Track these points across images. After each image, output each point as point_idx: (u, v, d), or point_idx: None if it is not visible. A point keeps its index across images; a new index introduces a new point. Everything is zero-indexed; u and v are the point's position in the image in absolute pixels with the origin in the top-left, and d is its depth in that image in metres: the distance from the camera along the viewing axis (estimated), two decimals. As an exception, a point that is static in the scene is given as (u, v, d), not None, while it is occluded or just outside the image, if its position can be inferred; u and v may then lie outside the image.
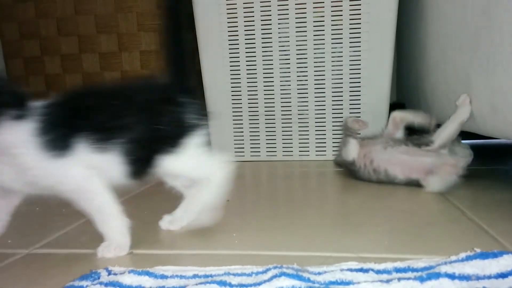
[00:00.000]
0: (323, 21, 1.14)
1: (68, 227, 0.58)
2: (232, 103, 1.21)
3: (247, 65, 1.18)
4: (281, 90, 1.19)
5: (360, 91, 1.16)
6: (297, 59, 1.16)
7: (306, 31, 1.15)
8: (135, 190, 0.93)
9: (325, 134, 1.19)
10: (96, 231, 0.67)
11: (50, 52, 1.26)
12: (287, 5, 1.13)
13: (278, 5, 1.14)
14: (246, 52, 1.17)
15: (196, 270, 0.49)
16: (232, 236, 0.63)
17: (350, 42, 1.14)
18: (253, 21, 1.16)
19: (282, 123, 1.20)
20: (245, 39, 1.17)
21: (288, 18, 1.15)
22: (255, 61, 1.18)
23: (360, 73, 1.15)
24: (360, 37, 1.13)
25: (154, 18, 1.19)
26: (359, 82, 1.15)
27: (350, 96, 1.16)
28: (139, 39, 1.21)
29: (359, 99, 1.16)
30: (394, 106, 1.21)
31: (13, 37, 1.25)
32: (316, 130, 1.19)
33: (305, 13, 1.14)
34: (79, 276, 0.48)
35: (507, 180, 0.88)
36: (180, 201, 0.69)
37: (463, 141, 0.88)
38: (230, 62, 1.18)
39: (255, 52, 1.17)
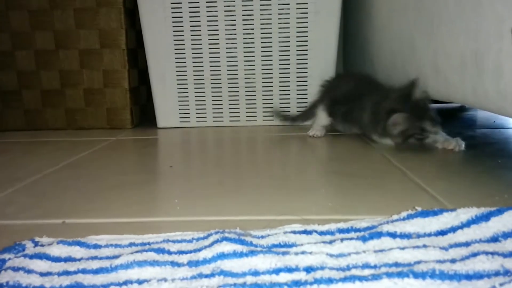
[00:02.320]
0: (270, -20, 1.10)
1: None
2: (176, 66, 1.15)
3: (191, 26, 1.13)
4: (227, 53, 1.14)
5: (307, 54, 1.14)
6: (243, 20, 1.12)
7: (252, -9, 1.10)
8: (71, 157, 0.88)
9: (272, 99, 1.17)
10: (24, 201, 0.63)
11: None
12: (233, -38, 1.08)
13: (223, -38, 1.08)
14: (190, 12, 1.12)
15: (132, 238, 0.46)
16: (173, 203, 0.60)
17: (297, 4, 1.11)
18: (197, -22, 1.10)
19: (229, 87, 1.17)
20: (189, -2, 1.11)
21: (233, -23, 1.10)
22: (200, 21, 1.12)
23: (307, 36, 1.13)
24: (307, -1, 1.10)
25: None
26: (306, 46, 1.13)
27: (297, 59, 1.14)
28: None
29: (306, 63, 1.15)
30: None
31: None
32: (263, 95, 1.17)
33: (251, -29, 1.09)
34: (1, 249, 0.43)
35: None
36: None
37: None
38: (173, 21, 1.12)
39: (199, 11, 1.12)
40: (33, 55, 1.17)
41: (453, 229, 0.42)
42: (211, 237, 0.44)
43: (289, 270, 0.37)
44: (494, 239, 0.40)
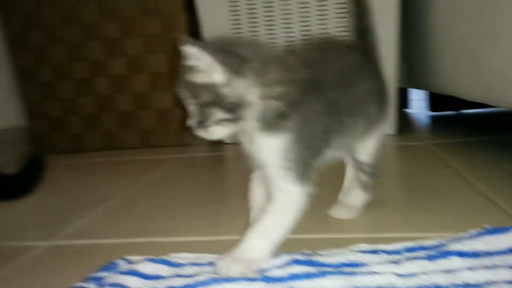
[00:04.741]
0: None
1: (87, 217, 0.59)
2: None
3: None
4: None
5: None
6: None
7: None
8: (149, 176, 0.94)
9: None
10: (114, 221, 0.69)
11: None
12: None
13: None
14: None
15: (210, 258, 0.50)
16: (248, 221, 0.63)
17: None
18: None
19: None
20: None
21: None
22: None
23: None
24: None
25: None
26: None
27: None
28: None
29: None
30: None
31: None
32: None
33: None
34: (98, 267, 0.49)
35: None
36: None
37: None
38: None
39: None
40: (108, 81, 1.27)
41: (525, 247, 0.42)
42: (282, 258, 0.47)
43: (359, 290, 0.39)
44: None
